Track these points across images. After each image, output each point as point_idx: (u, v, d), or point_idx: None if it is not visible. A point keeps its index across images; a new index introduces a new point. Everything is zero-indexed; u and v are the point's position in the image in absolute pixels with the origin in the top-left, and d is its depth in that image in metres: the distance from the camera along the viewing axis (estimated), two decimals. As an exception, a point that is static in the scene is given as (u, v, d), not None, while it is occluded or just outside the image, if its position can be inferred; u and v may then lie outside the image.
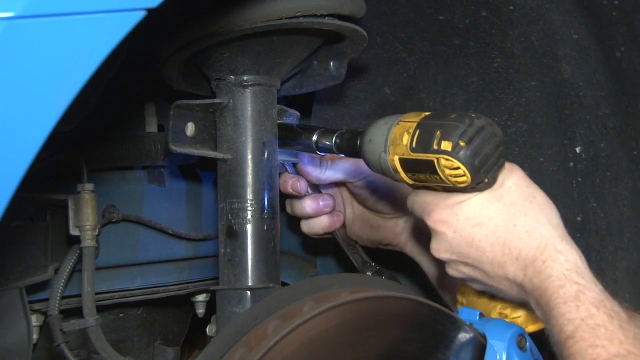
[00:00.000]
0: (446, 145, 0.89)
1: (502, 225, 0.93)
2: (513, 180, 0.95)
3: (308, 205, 1.26)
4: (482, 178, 0.91)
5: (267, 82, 1.07)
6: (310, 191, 1.27)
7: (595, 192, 1.36)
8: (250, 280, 1.02)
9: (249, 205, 1.03)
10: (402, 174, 0.95)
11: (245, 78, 1.06)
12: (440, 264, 1.24)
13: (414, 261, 1.33)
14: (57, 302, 1.14)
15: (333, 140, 1.06)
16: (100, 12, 0.62)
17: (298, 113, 1.18)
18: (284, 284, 1.16)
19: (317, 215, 1.28)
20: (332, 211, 1.28)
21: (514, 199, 0.94)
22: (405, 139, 0.93)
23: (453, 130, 0.89)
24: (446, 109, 1.43)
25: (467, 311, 1.02)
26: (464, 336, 0.97)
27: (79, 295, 1.14)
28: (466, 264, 0.97)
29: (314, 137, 1.08)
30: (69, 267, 1.16)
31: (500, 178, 0.95)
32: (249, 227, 1.03)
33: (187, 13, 0.99)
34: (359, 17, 1.08)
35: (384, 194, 1.27)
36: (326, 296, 0.92)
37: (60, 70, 0.62)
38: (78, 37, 0.62)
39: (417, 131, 0.92)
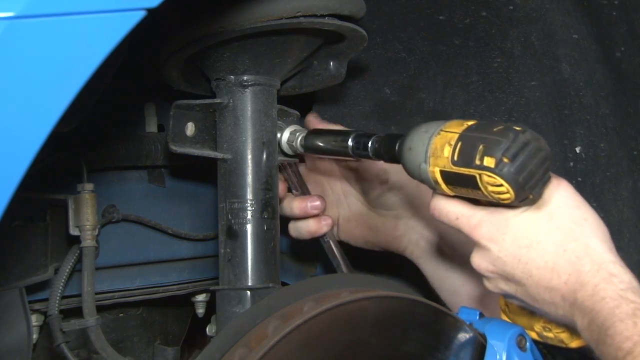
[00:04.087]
0: (489, 162, 0.85)
1: (551, 249, 0.90)
2: (562, 199, 0.92)
3: (296, 206, 1.23)
4: (527, 195, 0.88)
5: (267, 82, 1.07)
6: (299, 191, 1.25)
7: (595, 192, 1.35)
8: (250, 280, 1.02)
9: (249, 205, 1.03)
10: (444, 186, 0.92)
11: (245, 78, 1.06)
12: (457, 273, 1.24)
13: (411, 262, 1.32)
14: (57, 302, 1.14)
15: (370, 145, 1.03)
16: (100, 12, 0.62)
17: (298, 113, 1.18)
18: (284, 284, 1.16)
19: (305, 216, 1.24)
20: (320, 214, 1.25)
21: (564, 222, 0.91)
22: (447, 151, 0.89)
23: (496, 145, 0.85)
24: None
25: (467, 311, 1.02)
26: (464, 336, 0.97)
27: (79, 295, 1.14)
28: (508, 281, 0.95)
29: (350, 142, 1.05)
30: (69, 267, 1.17)
31: (546, 193, 0.91)
32: (249, 227, 1.03)
33: (187, 13, 0.99)
34: (359, 17, 1.08)
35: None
36: (326, 296, 0.92)
37: (61, 70, 0.62)
38: (78, 37, 0.62)
39: (459, 144, 0.88)
